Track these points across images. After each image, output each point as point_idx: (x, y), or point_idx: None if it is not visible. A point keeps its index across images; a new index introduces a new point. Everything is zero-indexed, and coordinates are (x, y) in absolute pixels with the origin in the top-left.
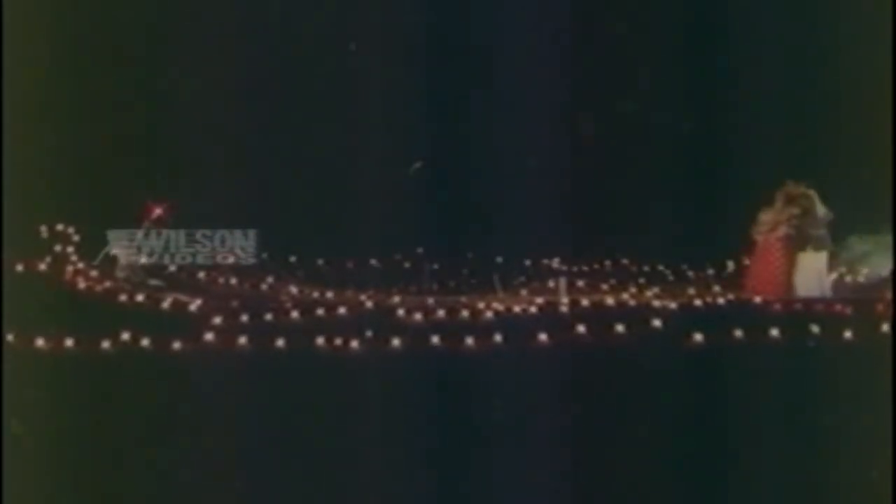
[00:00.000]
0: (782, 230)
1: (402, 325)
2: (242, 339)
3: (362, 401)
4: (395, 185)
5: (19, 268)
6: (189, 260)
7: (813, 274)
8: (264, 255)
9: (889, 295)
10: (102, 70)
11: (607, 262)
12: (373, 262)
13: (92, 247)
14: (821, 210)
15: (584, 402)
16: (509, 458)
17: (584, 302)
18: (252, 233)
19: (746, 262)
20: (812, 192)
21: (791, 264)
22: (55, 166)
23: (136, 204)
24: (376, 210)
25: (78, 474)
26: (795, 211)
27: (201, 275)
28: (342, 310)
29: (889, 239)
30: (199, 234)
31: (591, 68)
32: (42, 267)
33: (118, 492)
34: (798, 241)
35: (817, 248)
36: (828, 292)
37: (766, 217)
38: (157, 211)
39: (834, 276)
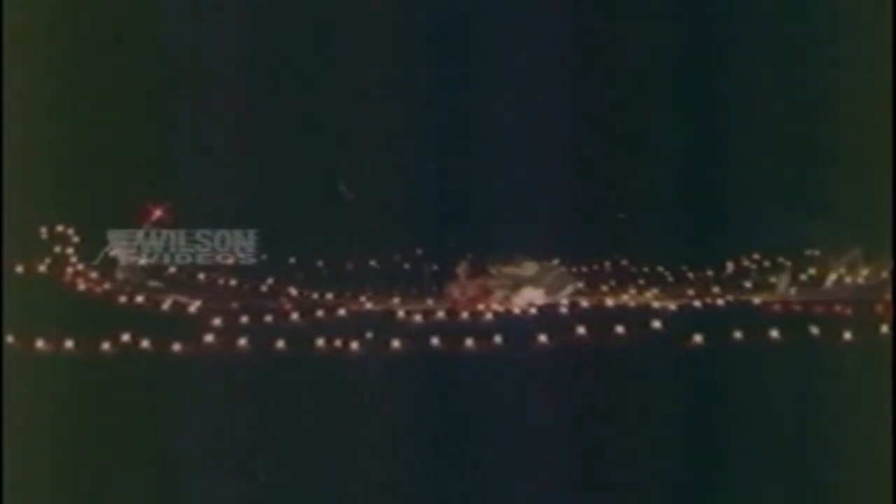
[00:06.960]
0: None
1: (401, 327)
2: (242, 341)
3: (362, 402)
4: (395, 186)
5: (19, 269)
6: (189, 260)
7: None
8: (264, 257)
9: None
10: (103, 70)
11: (607, 264)
12: (372, 263)
13: (92, 248)
14: (530, 269)
15: (584, 404)
16: (509, 460)
17: (584, 303)
18: (252, 233)
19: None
20: (500, 269)
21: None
22: (55, 167)
23: (136, 204)
24: (376, 211)
25: (77, 476)
26: (504, 290)
27: (201, 276)
28: (342, 311)
29: None
30: (199, 234)
31: (590, 70)
32: (42, 268)
33: (117, 493)
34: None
35: (554, 292)
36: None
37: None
38: (157, 212)
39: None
